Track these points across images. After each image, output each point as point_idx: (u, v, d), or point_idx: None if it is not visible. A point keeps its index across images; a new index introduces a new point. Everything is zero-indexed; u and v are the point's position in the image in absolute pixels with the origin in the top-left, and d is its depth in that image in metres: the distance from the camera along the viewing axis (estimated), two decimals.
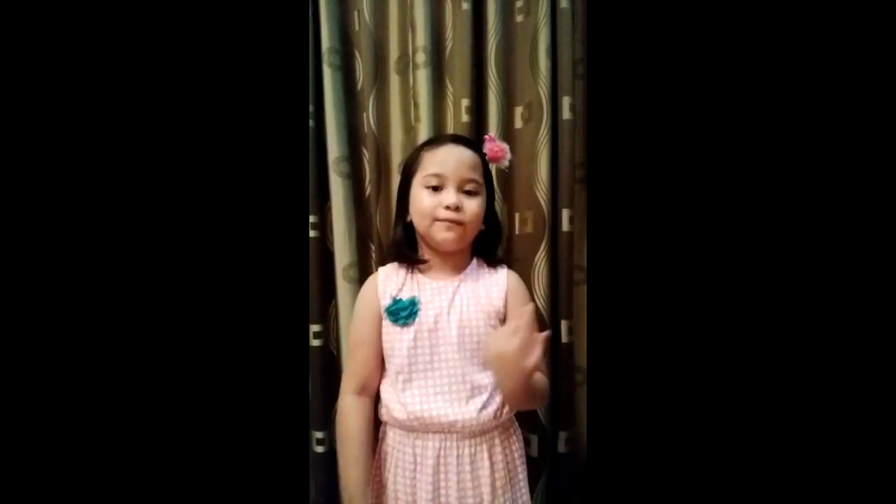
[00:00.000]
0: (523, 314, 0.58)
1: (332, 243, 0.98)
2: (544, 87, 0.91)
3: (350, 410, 0.71)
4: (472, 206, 0.69)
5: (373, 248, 0.97)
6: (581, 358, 0.94)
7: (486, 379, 0.68)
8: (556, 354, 0.93)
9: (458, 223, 0.68)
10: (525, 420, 0.75)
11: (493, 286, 0.72)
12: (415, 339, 0.68)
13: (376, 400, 0.73)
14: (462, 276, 0.73)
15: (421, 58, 0.95)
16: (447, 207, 0.68)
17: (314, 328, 0.96)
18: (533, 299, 0.85)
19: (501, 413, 0.68)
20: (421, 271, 0.74)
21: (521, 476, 0.71)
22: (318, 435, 0.95)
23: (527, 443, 0.76)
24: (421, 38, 0.95)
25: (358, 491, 0.67)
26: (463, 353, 0.68)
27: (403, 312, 0.69)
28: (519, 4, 0.94)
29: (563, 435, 0.93)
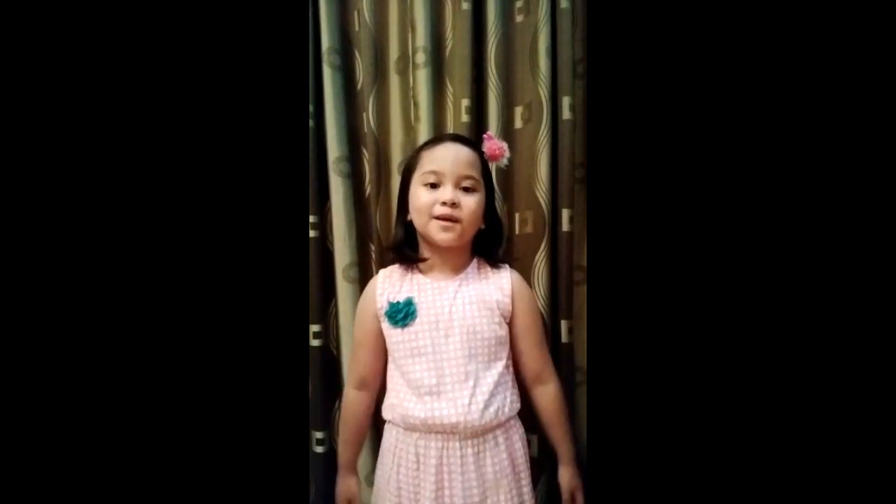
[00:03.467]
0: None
1: (332, 243, 0.98)
2: (544, 87, 0.91)
3: (348, 402, 0.78)
4: (470, 202, 0.70)
5: (373, 248, 0.97)
6: (581, 358, 0.93)
7: (488, 378, 0.68)
8: (556, 354, 0.93)
9: (455, 220, 0.69)
10: (525, 420, 0.75)
11: (498, 286, 0.73)
12: (417, 339, 0.69)
13: (379, 397, 0.75)
14: (463, 275, 0.73)
15: (421, 58, 0.95)
16: (444, 203, 0.68)
17: (314, 328, 0.96)
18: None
19: (504, 412, 0.68)
20: (421, 271, 0.74)
21: (523, 475, 0.71)
22: (318, 435, 0.95)
23: (527, 443, 0.76)
24: (421, 38, 0.95)
25: (345, 464, 0.78)
26: (465, 353, 0.68)
27: (400, 315, 0.70)
28: (519, 4, 0.94)
29: None
